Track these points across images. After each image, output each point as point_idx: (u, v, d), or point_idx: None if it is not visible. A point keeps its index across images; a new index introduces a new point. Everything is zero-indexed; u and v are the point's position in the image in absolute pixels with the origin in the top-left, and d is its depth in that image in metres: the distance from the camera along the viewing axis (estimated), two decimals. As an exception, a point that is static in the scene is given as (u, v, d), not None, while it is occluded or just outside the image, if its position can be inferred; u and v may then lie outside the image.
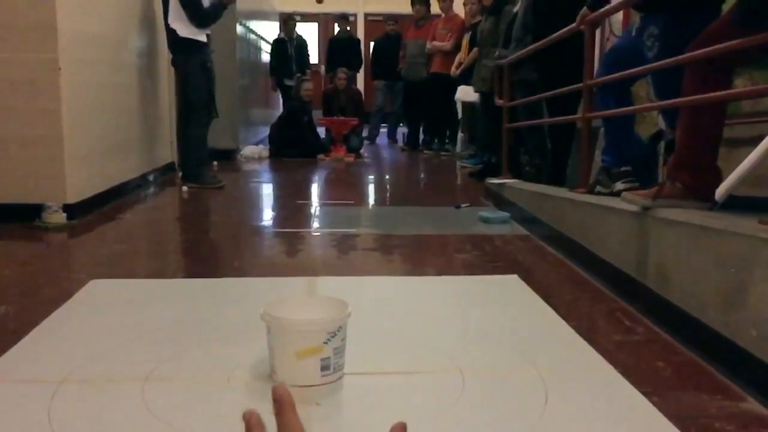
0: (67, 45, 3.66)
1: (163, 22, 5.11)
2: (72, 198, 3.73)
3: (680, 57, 2.29)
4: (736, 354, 1.69)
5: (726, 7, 2.54)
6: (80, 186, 3.86)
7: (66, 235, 3.51)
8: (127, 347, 1.86)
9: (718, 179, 2.24)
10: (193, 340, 1.93)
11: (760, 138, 2.18)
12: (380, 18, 10.45)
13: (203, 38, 5.11)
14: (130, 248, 3.31)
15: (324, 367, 1.57)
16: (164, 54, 5.49)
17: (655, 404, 1.53)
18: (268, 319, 1.59)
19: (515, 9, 5.04)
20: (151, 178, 5.30)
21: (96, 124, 4.15)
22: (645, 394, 1.58)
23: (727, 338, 1.74)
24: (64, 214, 3.64)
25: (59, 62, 3.60)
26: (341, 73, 8.35)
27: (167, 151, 5.85)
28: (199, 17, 5.02)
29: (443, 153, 8.23)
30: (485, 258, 3.11)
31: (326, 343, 1.56)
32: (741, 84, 2.80)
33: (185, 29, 5.00)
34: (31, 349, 1.85)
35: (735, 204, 2.12)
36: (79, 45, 3.88)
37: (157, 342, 1.90)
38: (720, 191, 2.16)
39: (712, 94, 2.15)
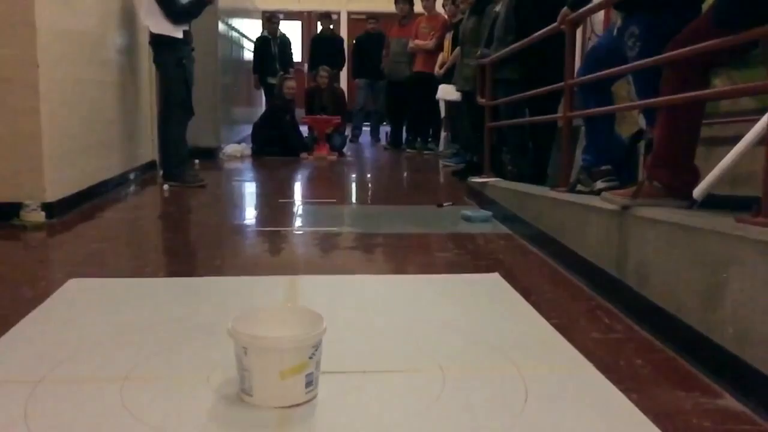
0: (45, 42, 3.62)
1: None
2: (51, 196, 3.69)
3: (660, 57, 2.30)
4: (714, 351, 1.70)
5: (705, 7, 2.57)
6: (59, 184, 3.81)
7: (45, 234, 3.47)
8: (106, 347, 1.85)
9: (696, 178, 2.27)
10: (172, 339, 1.92)
11: (738, 137, 2.21)
12: (363, 16, 10.42)
13: (178, 35, 4.98)
14: (110, 247, 3.29)
15: (308, 383, 1.51)
16: (146, 51, 5.44)
17: (633, 401, 1.55)
18: (247, 340, 1.48)
19: (497, 8, 5.05)
20: (131, 176, 5.26)
21: (75, 121, 4.11)
22: (624, 391, 1.60)
23: (705, 336, 1.75)
24: (43, 213, 3.60)
25: (38, 59, 3.56)
26: (323, 72, 8.32)
27: (148, 149, 5.80)
28: (173, 13, 4.91)
29: (426, 152, 8.23)
30: (467, 257, 3.12)
31: (311, 357, 1.51)
32: (719, 84, 2.83)
33: (158, 25, 4.91)
34: (8, 349, 1.83)
35: (713, 203, 2.15)
36: (58, 42, 3.83)
37: (136, 341, 1.88)
38: (698, 190, 2.18)
39: (690, 94, 2.16)
